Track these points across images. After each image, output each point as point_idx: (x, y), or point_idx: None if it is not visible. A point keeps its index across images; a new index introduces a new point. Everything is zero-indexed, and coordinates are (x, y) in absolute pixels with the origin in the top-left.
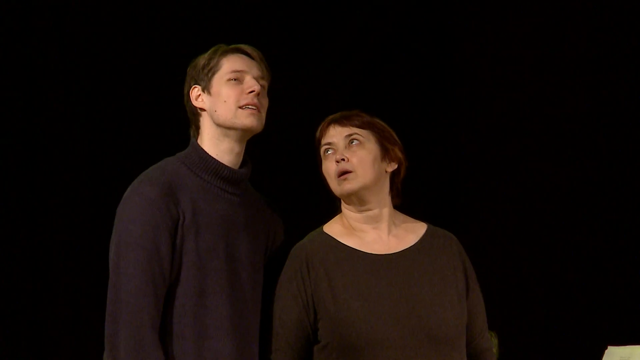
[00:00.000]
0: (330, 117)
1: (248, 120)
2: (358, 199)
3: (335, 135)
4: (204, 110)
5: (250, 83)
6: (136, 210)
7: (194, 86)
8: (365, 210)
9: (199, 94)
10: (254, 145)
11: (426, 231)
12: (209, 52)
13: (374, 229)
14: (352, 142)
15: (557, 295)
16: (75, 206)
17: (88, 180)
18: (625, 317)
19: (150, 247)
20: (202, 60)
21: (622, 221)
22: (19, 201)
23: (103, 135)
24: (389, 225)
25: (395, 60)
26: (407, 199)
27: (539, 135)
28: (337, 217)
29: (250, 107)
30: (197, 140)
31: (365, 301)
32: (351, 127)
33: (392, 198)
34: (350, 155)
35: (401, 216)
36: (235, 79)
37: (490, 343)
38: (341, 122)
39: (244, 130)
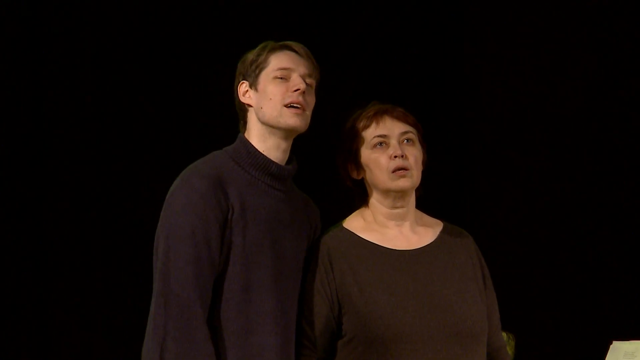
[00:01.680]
0: (379, 107)
1: (292, 120)
2: (401, 196)
3: (392, 128)
4: (250, 106)
5: (297, 81)
6: (186, 202)
7: (242, 82)
8: (399, 207)
9: (247, 90)
10: None
11: (443, 229)
12: (258, 48)
13: (397, 226)
14: (406, 140)
15: (562, 291)
16: (80, 205)
17: (93, 179)
18: (631, 313)
19: (201, 240)
20: (250, 56)
21: (627, 217)
22: (23, 201)
23: (112, 134)
24: (411, 223)
25: (403, 58)
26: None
27: (548, 133)
28: (356, 213)
29: (295, 105)
30: (244, 135)
31: (392, 295)
32: (407, 125)
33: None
34: (408, 153)
35: (419, 214)
36: (281, 77)
37: (504, 341)
38: (397, 116)
39: (287, 130)
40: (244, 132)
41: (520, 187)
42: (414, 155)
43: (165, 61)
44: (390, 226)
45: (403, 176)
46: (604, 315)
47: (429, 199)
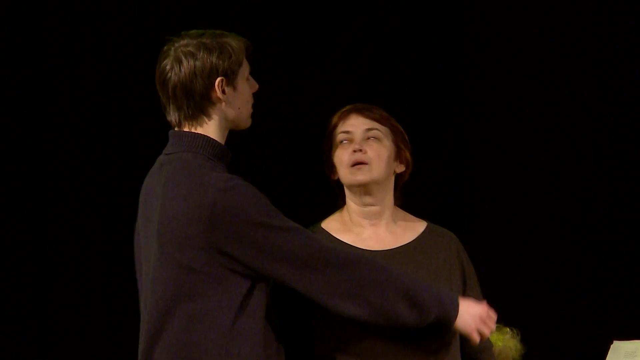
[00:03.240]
0: (351, 105)
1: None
2: (365, 191)
3: (356, 125)
4: (221, 102)
5: None
6: (253, 191)
7: (220, 77)
8: (369, 205)
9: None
10: (260, 140)
11: (425, 229)
12: (240, 46)
13: (371, 225)
14: (371, 137)
15: (562, 290)
16: (80, 205)
17: (93, 179)
18: (631, 312)
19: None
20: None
21: (628, 217)
22: (24, 201)
23: (113, 134)
24: (388, 222)
25: (403, 59)
26: (413, 198)
27: (547, 133)
28: (336, 214)
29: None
30: (199, 130)
31: None
32: (373, 121)
33: (395, 199)
34: (368, 148)
35: (402, 214)
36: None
37: (490, 342)
38: (363, 113)
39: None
40: (194, 126)
41: (520, 187)
42: (376, 150)
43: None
44: (365, 226)
45: (359, 169)
46: (604, 314)
47: (429, 200)
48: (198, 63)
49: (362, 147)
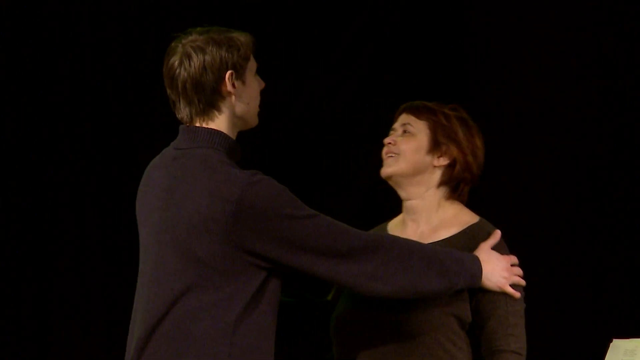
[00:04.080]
0: (405, 104)
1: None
2: (397, 185)
3: (399, 122)
4: (231, 95)
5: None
6: (275, 183)
7: (229, 70)
8: (406, 200)
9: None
10: (260, 140)
11: (465, 228)
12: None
13: (412, 221)
14: (405, 131)
15: (562, 289)
16: (80, 205)
17: (93, 179)
18: (631, 311)
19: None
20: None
21: (628, 216)
22: (23, 201)
23: (112, 134)
24: (429, 219)
25: (402, 58)
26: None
27: (548, 133)
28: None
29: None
30: (211, 124)
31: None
32: (410, 116)
33: (451, 195)
34: (399, 140)
35: (455, 211)
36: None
37: (504, 347)
38: (407, 110)
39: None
40: (206, 122)
41: (520, 186)
42: (405, 143)
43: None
44: (407, 221)
45: (387, 162)
46: (603, 313)
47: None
48: (207, 57)
49: (393, 140)
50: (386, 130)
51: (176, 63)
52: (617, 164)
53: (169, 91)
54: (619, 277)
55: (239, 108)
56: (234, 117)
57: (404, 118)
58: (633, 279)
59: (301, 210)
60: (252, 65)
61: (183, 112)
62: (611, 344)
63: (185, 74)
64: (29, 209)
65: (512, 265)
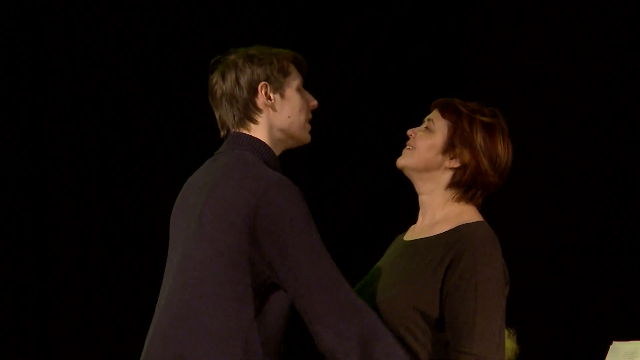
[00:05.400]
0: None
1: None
2: (409, 177)
3: (429, 115)
4: (269, 109)
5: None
6: (301, 196)
7: (263, 82)
8: (419, 194)
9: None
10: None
11: (457, 226)
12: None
13: (420, 215)
14: (426, 127)
15: (562, 291)
16: (80, 205)
17: (93, 179)
18: (631, 313)
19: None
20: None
21: (628, 216)
22: (23, 200)
23: (113, 134)
24: (434, 215)
25: (402, 58)
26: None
27: (547, 133)
28: None
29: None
30: (253, 134)
31: (369, 281)
32: (436, 112)
33: (462, 197)
34: (418, 136)
35: (457, 209)
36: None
37: (462, 349)
38: (437, 105)
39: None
40: (247, 130)
41: (519, 186)
42: (423, 140)
43: (166, 61)
44: (419, 214)
45: (403, 152)
46: (603, 315)
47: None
48: (239, 72)
49: (414, 132)
50: (386, 130)
51: (214, 80)
52: (617, 164)
53: (213, 108)
54: (619, 279)
55: (279, 122)
56: (275, 130)
57: (432, 112)
58: (633, 281)
59: (311, 234)
60: (293, 80)
61: (224, 128)
62: (611, 347)
63: (220, 91)
64: (29, 209)
65: None
